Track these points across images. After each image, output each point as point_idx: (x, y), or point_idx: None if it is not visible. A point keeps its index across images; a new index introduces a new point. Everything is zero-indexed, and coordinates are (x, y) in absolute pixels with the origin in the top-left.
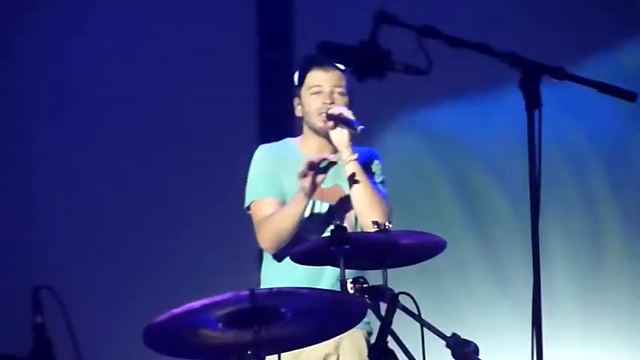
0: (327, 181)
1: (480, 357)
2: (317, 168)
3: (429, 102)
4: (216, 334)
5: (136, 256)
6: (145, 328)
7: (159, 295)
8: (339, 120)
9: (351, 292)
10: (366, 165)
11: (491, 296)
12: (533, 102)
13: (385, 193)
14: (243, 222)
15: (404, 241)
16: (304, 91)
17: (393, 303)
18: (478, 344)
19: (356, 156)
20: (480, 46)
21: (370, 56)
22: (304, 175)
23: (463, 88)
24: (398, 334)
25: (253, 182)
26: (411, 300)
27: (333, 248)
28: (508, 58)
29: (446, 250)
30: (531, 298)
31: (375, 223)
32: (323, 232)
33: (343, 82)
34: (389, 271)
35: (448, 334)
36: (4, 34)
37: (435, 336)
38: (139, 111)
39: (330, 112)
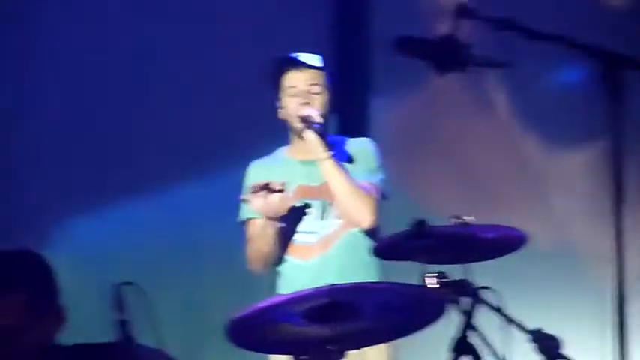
0: (314, 180)
1: (563, 351)
2: (265, 190)
3: None
4: (297, 329)
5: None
6: (227, 323)
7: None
8: (306, 122)
9: (433, 286)
10: (354, 158)
11: (573, 289)
12: (615, 95)
13: (379, 185)
14: None
15: (485, 235)
16: (282, 94)
17: (475, 297)
18: (562, 338)
19: (327, 155)
20: (558, 38)
21: (450, 50)
22: (249, 200)
23: None
24: (480, 329)
25: (242, 202)
26: (493, 294)
27: (413, 242)
28: (588, 50)
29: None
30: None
31: (455, 216)
32: (317, 231)
33: (320, 81)
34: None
35: (531, 329)
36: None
37: (519, 330)
38: (225, 106)
39: (299, 114)
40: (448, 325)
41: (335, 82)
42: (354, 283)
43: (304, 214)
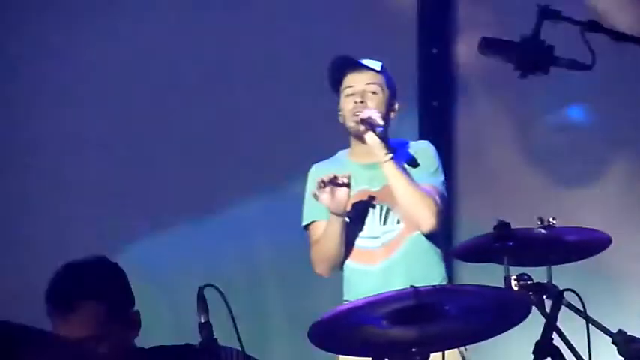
0: (375, 184)
1: None
2: (331, 184)
3: None
4: (381, 332)
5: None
6: (311, 326)
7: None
8: (367, 124)
9: (516, 288)
10: (414, 161)
11: None
12: None
13: (439, 187)
14: None
15: (568, 237)
16: (341, 94)
17: (558, 299)
18: None
19: (389, 157)
20: None
21: (533, 52)
22: (317, 195)
23: None
24: (563, 332)
25: (306, 205)
26: (576, 297)
27: (496, 244)
28: None
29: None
30: None
31: (539, 219)
32: (379, 236)
33: (377, 81)
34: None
35: (614, 331)
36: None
37: (601, 332)
38: (295, 108)
39: (360, 117)
40: (531, 327)
41: (393, 84)
42: (438, 285)
43: (367, 212)
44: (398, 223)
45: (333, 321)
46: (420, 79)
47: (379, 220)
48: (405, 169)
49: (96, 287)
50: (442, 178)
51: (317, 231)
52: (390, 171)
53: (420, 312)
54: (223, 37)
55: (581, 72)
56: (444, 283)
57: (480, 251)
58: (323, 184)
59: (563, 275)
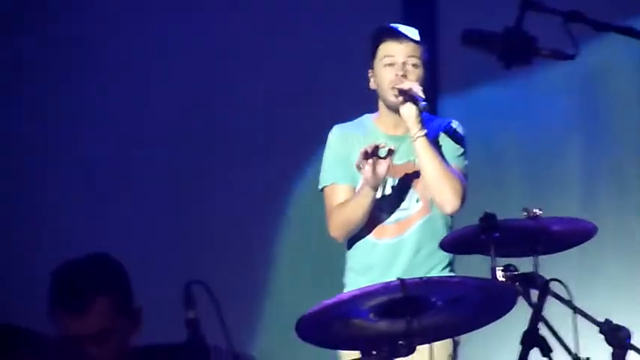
0: (399, 157)
1: (632, 342)
2: (374, 156)
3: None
4: (368, 325)
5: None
6: (298, 320)
7: (304, 288)
8: (407, 95)
9: (502, 279)
10: (442, 138)
11: None
12: None
13: (463, 168)
14: None
15: (555, 227)
16: (377, 63)
17: (545, 290)
18: (631, 330)
19: (424, 132)
20: (627, 30)
21: (516, 43)
22: (360, 167)
23: None
24: (549, 321)
25: (326, 166)
26: (562, 286)
27: (483, 236)
28: None
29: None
30: None
31: (525, 210)
32: (395, 211)
33: (418, 54)
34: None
35: (600, 320)
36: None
37: (588, 322)
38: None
39: (399, 86)
40: (517, 317)
41: (430, 58)
42: (424, 277)
43: (387, 185)
44: (417, 202)
45: (320, 315)
46: None
47: (397, 195)
48: (435, 147)
49: (103, 282)
50: (466, 162)
51: (337, 195)
52: (422, 147)
53: (408, 305)
54: None
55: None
56: (450, 267)
57: (467, 243)
58: (366, 155)
59: (553, 265)
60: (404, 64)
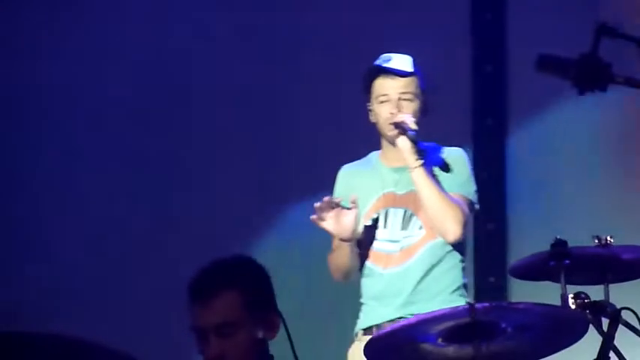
0: (401, 187)
1: None
2: (336, 207)
3: None
4: (436, 349)
5: None
6: (367, 341)
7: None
8: (400, 128)
9: (573, 307)
10: (446, 167)
11: None
12: None
13: (469, 196)
14: None
15: (626, 255)
16: (373, 100)
17: (616, 318)
18: None
19: (420, 163)
20: None
21: (591, 69)
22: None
23: None
24: (620, 350)
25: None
26: (633, 315)
27: (552, 263)
28: None
29: None
30: None
31: (596, 237)
32: (400, 240)
33: (411, 87)
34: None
35: None
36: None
37: None
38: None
39: (392, 121)
40: (587, 346)
41: (428, 86)
42: (494, 302)
43: (390, 215)
44: (420, 228)
45: (389, 338)
46: (475, 97)
47: (401, 224)
48: (434, 176)
49: (233, 277)
50: (474, 187)
51: (334, 240)
52: (419, 177)
53: (477, 330)
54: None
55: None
56: (460, 291)
57: (536, 269)
58: (325, 207)
59: (625, 293)
60: (398, 99)
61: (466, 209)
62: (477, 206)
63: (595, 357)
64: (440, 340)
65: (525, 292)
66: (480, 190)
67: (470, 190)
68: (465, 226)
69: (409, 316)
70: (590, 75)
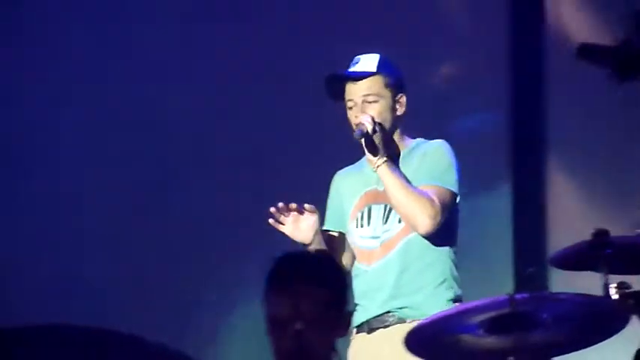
0: (380, 185)
1: None
2: (293, 212)
3: None
4: (477, 340)
5: None
6: (408, 332)
7: None
8: (359, 130)
9: (615, 296)
10: (421, 160)
11: None
12: None
13: (447, 187)
14: None
15: None
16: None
17: None
18: None
19: (382, 161)
20: None
21: (631, 57)
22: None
23: None
24: None
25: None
26: None
27: (594, 252)
28: None
29: None
30: None
31: (638, 226)
32: (380, 235)
33: (374, 89)
34: None
35: None
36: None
37: None
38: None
39: (355, 122)
40: (630, 336)
41: (395, 76)
42: (534, 293)
43: (373, 212)
44: (399, 222)
45: (429, 328)
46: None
47: (382, 219)
48: (400, 172)
49: (324, 274)
50: (454, 176)
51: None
52: (383, 175)
53: (517, 320)
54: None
55: None
56: (447, 284)
57: (577, 259)
58: (283, 210)
59: None
60: (362, 102)
61: (442, 200)
62: (458, 197)
63: (638, 347)
64: (480, 331)
65: (566, 282)
66: (519, 180)
67: (449, 179)
68: (435, 217)
69: (396, 311)
70: (630, 63)
